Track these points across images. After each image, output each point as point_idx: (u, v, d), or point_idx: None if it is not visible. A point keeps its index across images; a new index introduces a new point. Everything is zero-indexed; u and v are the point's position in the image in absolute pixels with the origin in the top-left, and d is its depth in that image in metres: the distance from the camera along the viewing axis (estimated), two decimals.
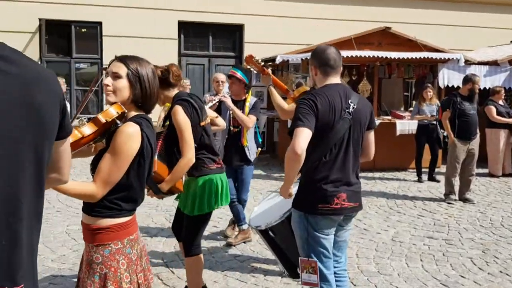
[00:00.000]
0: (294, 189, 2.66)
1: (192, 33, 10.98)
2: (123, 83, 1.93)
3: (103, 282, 1.85)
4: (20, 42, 9.66)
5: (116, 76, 1.94)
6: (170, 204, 5.76)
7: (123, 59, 1.97)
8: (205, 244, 4.62)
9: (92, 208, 1.88)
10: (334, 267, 2.68)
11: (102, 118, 1.91)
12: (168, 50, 10.28)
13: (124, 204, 1.90)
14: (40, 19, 9.80)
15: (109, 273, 1.86)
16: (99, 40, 10.24)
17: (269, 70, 3.64)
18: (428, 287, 3.73)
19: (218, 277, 3.86)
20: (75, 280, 3.73)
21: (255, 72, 3.77)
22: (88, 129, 1.90)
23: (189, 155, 2.85)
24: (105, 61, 10.20)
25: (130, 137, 1.84)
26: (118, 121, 1.93)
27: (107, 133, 1.95)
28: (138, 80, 1.94)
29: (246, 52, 10.86)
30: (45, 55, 10.22)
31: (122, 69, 1.94)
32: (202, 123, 3.06)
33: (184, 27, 10.75)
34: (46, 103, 1.26)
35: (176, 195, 3.11)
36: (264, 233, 3.09)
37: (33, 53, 10.03)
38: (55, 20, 9.96)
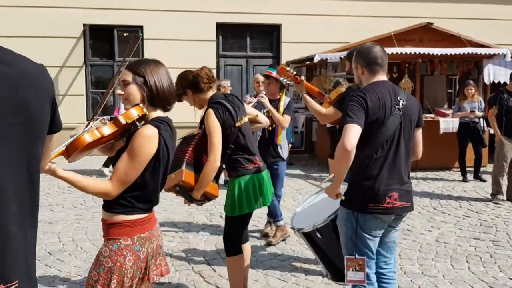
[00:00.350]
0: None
1: (230, 34, 11.09)
2: (132, 88, 2.00)
3: (107, 275, 1.91)
4: (66, 47, 10.05)
5: (125, 84, 2.02)
6: (211, 203, 5.82)
7: (129, 66, 2.06)
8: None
9: (109, 204, 1.97)
10: (383, 268, 2.65)
11: (122, 119, 1.96)
12: (206, 52, 10.42)
13: (137, 203, 1.96)
14: (84, 25, 10.15)
15: (114, 267, 1.91)
16: (140, 43, 10.50)
17: (302, 78, 3.65)
18: None
19: (259, 276, 3.88)
20: None
21: (288, 82, 3.79)
22: (107, 130, 1.96)
23: (212, 158, 2.88)
24: None
25: (149, 139, 1.90)
26: (138, 123, 1.98)
27: (127, 133, 2.01)
28: (144, 80, 2.00)
29: (284, 52, 10.88)
30: (90, 59, 10.57)
31: (128, 76, 2.01)
32: (237, 124, 3.05)
33: (222, 28, 10.87)
34: (35, 99, 1.29)
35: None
36: (306, 235, 3.05)
37: (78, 57, 10.41)
38: (98, 25, 10.30)
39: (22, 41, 9.57)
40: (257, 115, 3.46)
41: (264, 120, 3.54)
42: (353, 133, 2.29)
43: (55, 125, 1.41)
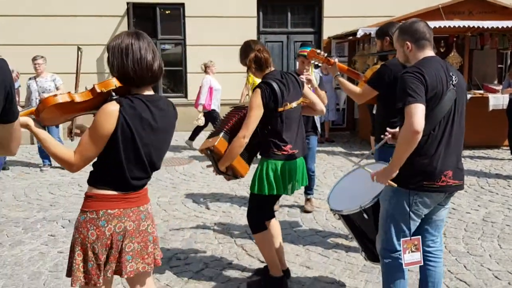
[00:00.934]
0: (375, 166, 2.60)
1: (270, 10, 10.95)
2: (106, 63, 2.01)
3: (73, 246, 1.96)
4: (110, 26, 10.24)
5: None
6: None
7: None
8: (286, 218, 4.70)
9: (89, 177, 2.01)
10: (430, 246, 2.63)
11: (97, 88, 1.91)
12: (247, 28, 10.37)
13: (108, 179, 1.95)
14: (127, 3, 10.29)
15: (78, 238, 1.95)
16: (182, 21, 10.56)
17: (335, 60, 3.58)
18: None
19: (300, 251, 3.92)
20: (167, 247, 3.99)
21: (320, 65, 3.71)
22: (81, 97, 1.92)
23: (241, 134, 2.91)
24: (188, 42, 10.53)
25: (107, 115, 1.86)
26: (114, 95, 1.92)
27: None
28: (108, 57, 1.97)
29: (326, 27, 10.66)
30: None
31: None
32: (280, 109, 3.00)
33: (262, 4, 10.75)
34: None
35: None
36: (347, 217, 2.97)
37: None
38: (141, 3, 10.42)
39: (68, 21, 9.85)
40: (313, 102, 3.30)
41: (320, 108, 3.35)
42: (420, 114, 2.22)
43: (6, 115, 1.50)
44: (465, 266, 3.59)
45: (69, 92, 1.94)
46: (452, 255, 3.81)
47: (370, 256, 3.01)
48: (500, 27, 7.83)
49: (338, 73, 3.60)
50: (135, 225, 2.01)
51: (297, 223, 4.59)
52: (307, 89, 3.32)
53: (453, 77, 2.40)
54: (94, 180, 1.98)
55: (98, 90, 1.91)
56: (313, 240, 4.15)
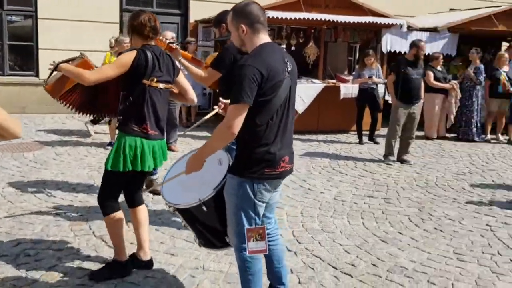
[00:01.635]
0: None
1: None
2: None
3: None
4: None
5: None
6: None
7: None
8: (151, 206, 4.56)
9: None
10: (268, 228, 2.66)
11: None
12: (109, 5, 9.74)
13: None
14: None
15: None
16: None
17: (176, 46, 3.68)
18: (369, 243, 3.91)
19: (165, 238, 3.83)
20: (13, 243, 3.57)
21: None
22: None
23: (88, 74, 2.88)
24: (40, 15, 9.51)
25: None
26: None
27: None
28: None
29: (193, 10, 10.50)
30: None
31: None
32: (145, 81, 2.95)
33: None
34: None
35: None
36: (181, 210, 2.78)
37: None
38: None
39: None
40: (185, 90, 3.27)
41: (191, 97, 3.34)
42: (241, 117, 2.26)
43: None
44: (319, 243, 3.88)
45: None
46: (308, 232, 4.08)
47: (206, 244, 2.93)
48: (352, 22, 8.56)
49: (181, 58, 3.68)
50: None
51: (163, 211, 4.48)
52: (182, 77, 3.28)
53: (288, 63, 2.42)
54: None
55: None
56: (178, 226, 4.09)
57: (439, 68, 8.58)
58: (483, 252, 3.82)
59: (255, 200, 2.46)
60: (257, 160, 2.40)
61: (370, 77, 7.96)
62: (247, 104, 2.27)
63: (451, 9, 11.29)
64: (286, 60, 2.43)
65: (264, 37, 2.44)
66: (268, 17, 7.99)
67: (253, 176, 2.42)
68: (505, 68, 8.72)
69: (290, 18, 8.24)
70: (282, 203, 4.80)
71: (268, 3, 8.72)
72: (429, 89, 8.43)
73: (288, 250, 3.67)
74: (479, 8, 10.63)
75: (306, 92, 8.45)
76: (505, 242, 4.03)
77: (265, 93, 2.31)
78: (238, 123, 2.27)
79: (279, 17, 8.19)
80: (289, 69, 2.43)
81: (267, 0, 9.00)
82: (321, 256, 3.62)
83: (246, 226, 2.48)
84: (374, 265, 3.52)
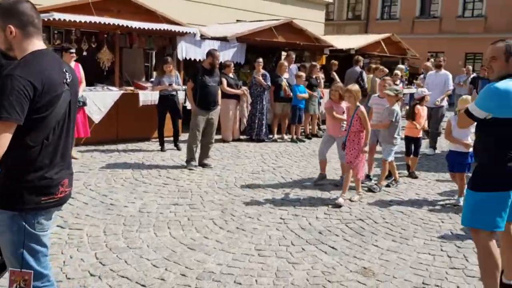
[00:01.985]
0: None
1: None
2: None
3: None
4: None
5: None
6: None
7: None
8: None
9: None
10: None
11: None
12: None
13: None
14: None
15: None
16: None
17: None
18: (177, 253, 3.89)
19: None
20: None
21: None
22: None
23: None
24: None
25: None
26: None
27: None
28: None
29: None
30: None
31: None
32: None
33: None
34: None
35: None
36: None
37: None
38: None
39: None
40: None
41: None
42: (9, 137, 1.94)
43: None
44: (126, 261, 3.69)
45: None
46: (113, 252, 3.85)
47: None
48: (146, 28, 8.46)
49: None
50: None
51: None
52: None
53: (67, 74, 2.17)
54: None
55: None
56: None
57: (231, 75, 9.15)
58: (279, 245, 4.19)
59: (35, 232, 2.12)
60: (30, 188, 2.06)
61: (170, 84, 8.00)
62: (15, 122, 1.94)
63: (237, 20, 12.21)
64: (64, 70, 2.16)
65: (37, 43, 2.13)
66: (54, 19, 7.35)
67: (28, 208, 2.07)
68: (286, 75, 9.86)
69: (80, 21, 7.71)
70: (82, 224, 4.43)
71: (54, 4, 7.99)
72: (223, 95, 8.90)
73: (92, 275, 3.39)
74: (261, 21, 11.76)
75: (102, 100, 8.02)
76: (296, 233, 4.51)
77: (40, 110, 2.01)
78: (2, 145, 1.92)
79: (67, 20, 7.60)
80: (68, 80, 2.16)
81: (52, 0, 8.25)
82: (128, 276, 3.44)
83: (33, 263, 2.13)
84: (183, 275, 3.51)
